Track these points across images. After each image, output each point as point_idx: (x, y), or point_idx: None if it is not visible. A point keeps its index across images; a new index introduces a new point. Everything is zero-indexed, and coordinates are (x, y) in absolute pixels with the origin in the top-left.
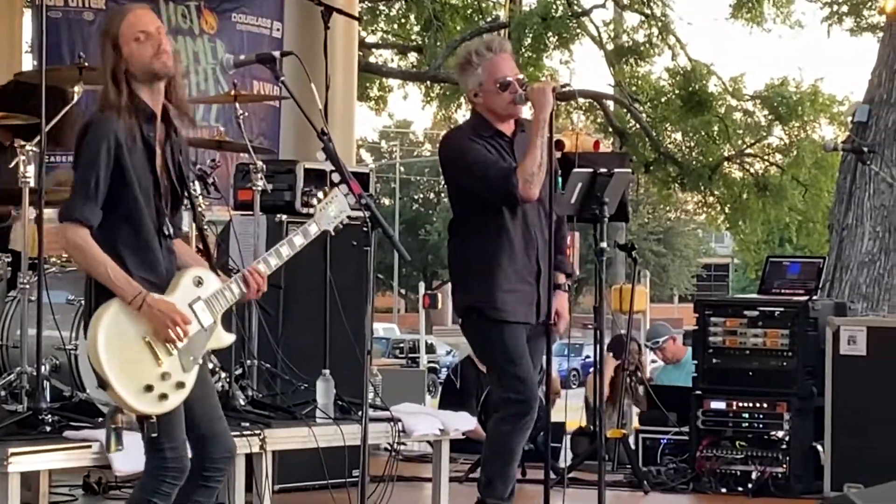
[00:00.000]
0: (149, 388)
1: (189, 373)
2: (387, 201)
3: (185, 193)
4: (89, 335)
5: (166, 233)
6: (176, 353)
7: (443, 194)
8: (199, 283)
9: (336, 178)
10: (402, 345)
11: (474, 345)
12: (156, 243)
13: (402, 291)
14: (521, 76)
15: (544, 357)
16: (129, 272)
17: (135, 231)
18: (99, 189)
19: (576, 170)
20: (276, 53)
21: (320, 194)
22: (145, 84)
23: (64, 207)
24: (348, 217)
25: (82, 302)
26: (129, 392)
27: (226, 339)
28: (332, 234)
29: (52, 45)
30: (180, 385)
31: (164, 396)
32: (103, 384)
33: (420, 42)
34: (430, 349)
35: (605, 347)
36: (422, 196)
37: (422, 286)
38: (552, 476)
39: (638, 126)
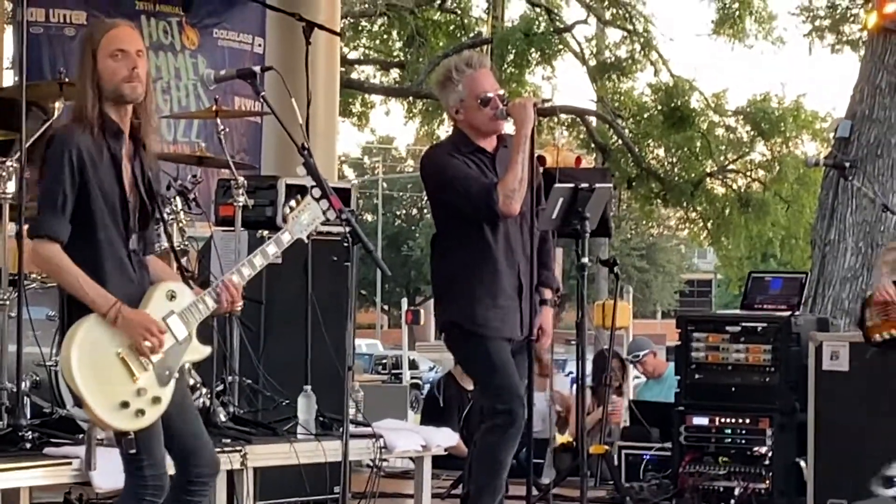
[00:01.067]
0: (125, 405)
1: (165, 387)
2: (369, 217)
3: (157, 210)
4: (62, 353)
5: (135, 248)
6: (151, 367)
7: (425, 210)
8: (171, 296)
9: (317, 193)
10: (384, 360)
11: (458, 358)
12: (125, 258)
13: (385, 307)
14: (501, 92)
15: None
16: (101, 286)
17: (103, 246)
18: (67, 203)
19: (557, 185)
20: (257, 68)
21: (293, 202)
22: (112, 103)
23: (32, 224)
24: (328, 231)
25: None
26: (105, 409)
27: (202, 351)
28: (306, 241)
29: (33, 60)
30: (157, 400)
31: (140, 412)
32: (78, 402)
33: (402, 58)
34: (413, 365)
35: (591, 364)
36: (404, 212)
37: (404, 302)
38: (534, 492)
39: (620, 142)
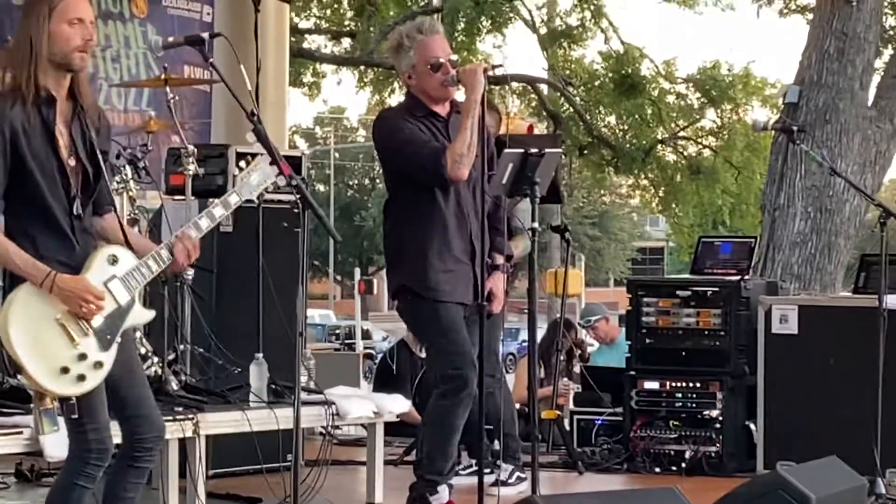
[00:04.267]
0: (65, 370)
1: (107, 352)
2: (321, 188)
3: (100, 171)
4: (0, 320)
5: (76, 213)
6: (92, 332)
7: (378, 180)
8: (113, 261)
9: (266, 159)
10: (337, 331)
11: (409, 323)
12: (66, 225)
13: (338, 278)
14: (454, 57)
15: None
16: (41, 256)
17: (42, 215)
18: None
19: (507, 150)
20: (205, 35)
21: (242, 163)
22: (53, 68)
23: None
24: (278, 199)
25: None
26: (44, 375)
27: (145, 315)
28: (256, 202)
29: None
30: (98, 365)
31: (81, 378)
32: (18, 369)
33: (353, 27)
34: (366, 335)
35: (539, 343)
36: (356, 182)
37: (357, 272)
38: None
39: (572, 110)
